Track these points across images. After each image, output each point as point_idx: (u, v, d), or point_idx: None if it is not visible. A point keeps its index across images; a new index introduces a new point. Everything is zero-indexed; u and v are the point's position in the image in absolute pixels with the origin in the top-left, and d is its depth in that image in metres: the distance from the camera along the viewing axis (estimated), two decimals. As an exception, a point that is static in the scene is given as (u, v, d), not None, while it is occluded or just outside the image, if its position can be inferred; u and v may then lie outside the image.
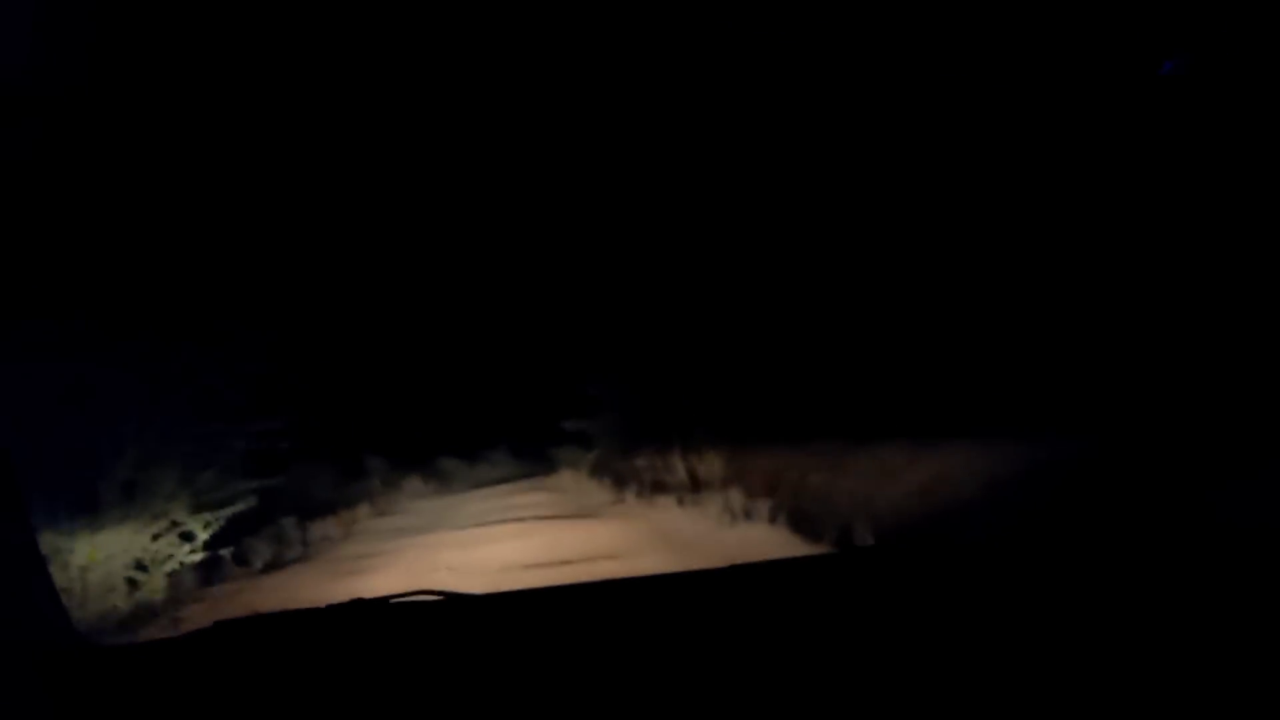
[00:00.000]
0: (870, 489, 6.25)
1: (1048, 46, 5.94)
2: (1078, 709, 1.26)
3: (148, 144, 7.49)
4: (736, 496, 7.54)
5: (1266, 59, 4.73)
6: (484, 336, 16.36)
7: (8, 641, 1.84)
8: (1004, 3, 6.23)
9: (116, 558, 6.13)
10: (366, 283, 14.63)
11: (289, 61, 8.88)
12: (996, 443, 5.54)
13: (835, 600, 1.81)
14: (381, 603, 1.94)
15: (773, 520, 6.87)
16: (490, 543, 7.95)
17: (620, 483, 11.08)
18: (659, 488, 9.50)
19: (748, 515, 7.23)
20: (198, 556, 6.94)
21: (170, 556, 6.67)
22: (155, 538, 6.58)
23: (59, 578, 5.43)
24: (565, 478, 13.93)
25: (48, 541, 5.47)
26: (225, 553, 7.44)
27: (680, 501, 8.68)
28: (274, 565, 8.41)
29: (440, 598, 1.97)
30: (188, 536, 6.86)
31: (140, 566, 6.41)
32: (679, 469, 9.19)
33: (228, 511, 7.23)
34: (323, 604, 1.95)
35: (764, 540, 6.51)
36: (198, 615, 6.13)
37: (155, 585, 6.46)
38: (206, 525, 6.99)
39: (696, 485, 8.82)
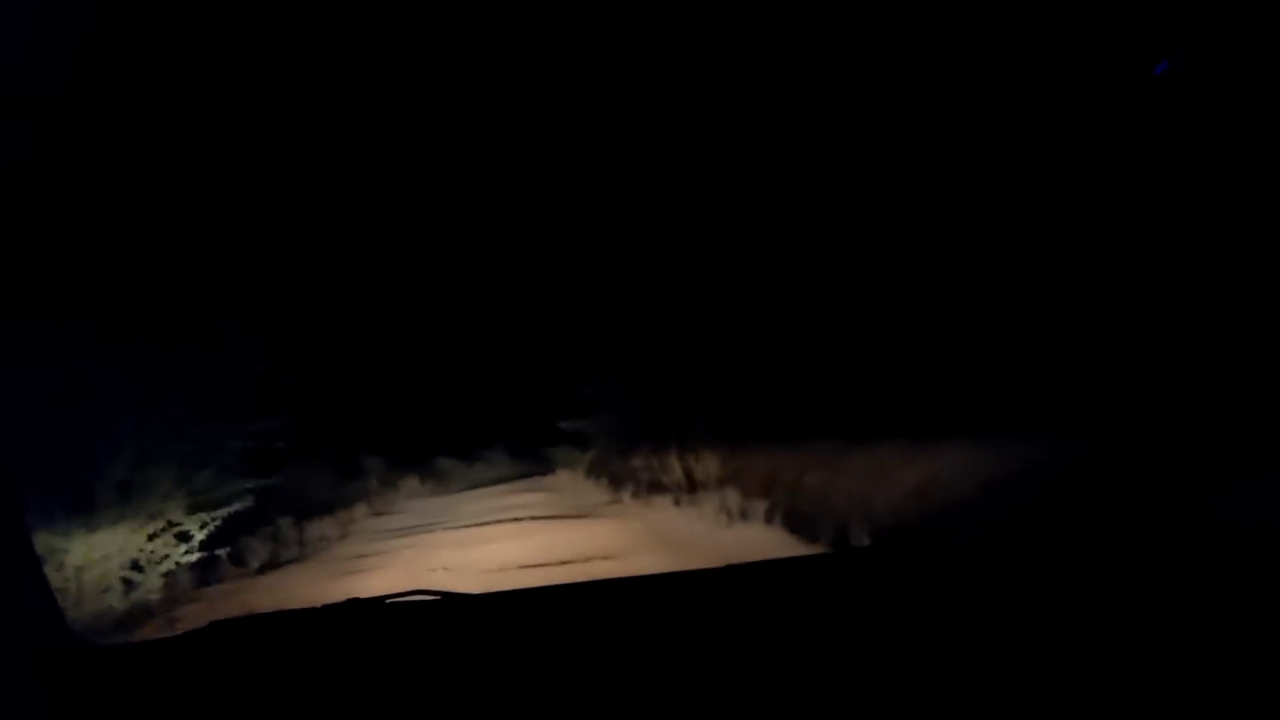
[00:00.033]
0: (866, 489, 6.25)
1: (1045, 47, 5.95)
2: (1076, 710, 1.26)
3: (146, 144, 7.48)
4: (733, 496, 7.54)
5: (1263, 58, 4.74)
6: (481, 337, 16.35)
7: (3, 642, 1.83)
8: (1002, 3, 6.24)
9: (112, 558, 6.12)
10: (364, 283, 14.61)
11: (288, 62, 8.87)
12: (993, 443, 5.55)
13: (831, 600, 1.81)
14: (377, 602, 1.93)
15: (769, 520, 6.88)
16: (487, 543, 7.95)
17: (617, 483, 11.09)
18: (655, 488, 9.51)
19: (744, 515, 7.24)
20: (194, 556, 6.93)
21: (166, 556, 6.66)
22: (151, 538, 6.56)
23: (54, 578, 5.43)
24: (562, 478, 13.93)
25: (43, 541, 5.46)
26: (222, 553, 7.44)
27: (677, 501, 8.69)
28: (270, 565, 8.41)
29: (436, 597, 1.97)
30: (184, 536, 6.85)
31: (136, 566, 6.39)
32: (675, 469, 9.20)
33: (224, 511, 7.22)
34: (319, 604, 1.95)
35: (760, 540, 6.51)
36: (194, 615, 6.12)
37: (151, 585, 6.45)
38: (203, 525, 6.98)
39: (693, 485, 8.83)
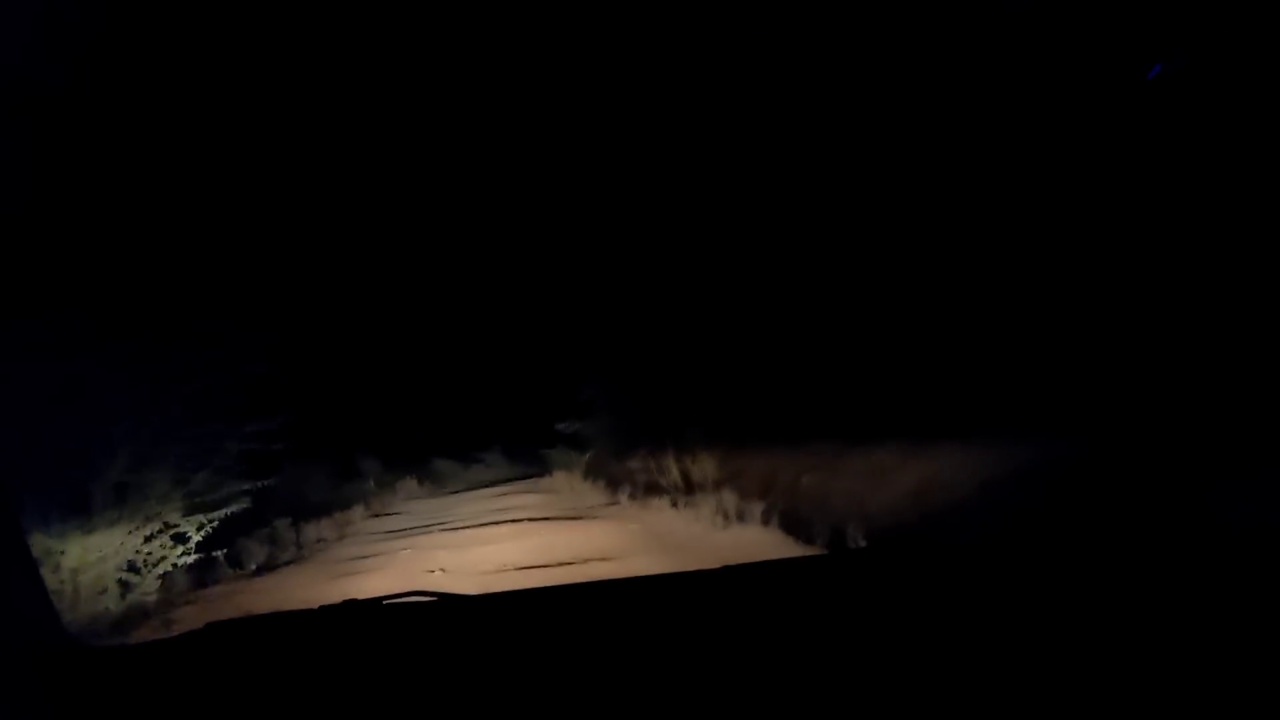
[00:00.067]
0: (864, 490, 6.26)
1: (1045, 48, 5.97)
2: (1075, 712, 1.26)
3: (145, 144, 7.47)
4: (730, 498, 7.54)
5: (1261, 60, 4.76)
6: (479, 339, 16.34)
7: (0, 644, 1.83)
8: (1001, 4, 6.26)
9: (108, 559, 6.10)
10: (362, 284, 14.61)
11: (288, 62, 8.87)
12: (991, 444, 5.55)
13: (828, 602, 1.81)
14: (374, 604, 1.93)
15: (766, 522, 6.88)
16: (484, 544, 7.94)
17: (614, 484, 11.08)
18: (653, 489, 9.50)
19: (741, 517, 7.23)
20: (191, 558, 6.92)
21: (163, 558, 6.64)
22: (148, 539, 6.55)
23: (50, 579, 5.42)
24: (559, 479, 13.92)
25: (39, 543, 5.45)
26: (219, 554, 7.42)
27: (674, 503, 8.68)
28: (268, 567, 8.40)
29: (433, 599, 1.97)
30: (181, 538, 6.84)
31: (132, 568, 6.38)
32: (673, 471, 9.19)
33: (221, 513, 7.20)
34: (316, 605, 1.95)
35: (757, 542, 6.51)
36: (190, 617, 6.12)
37: (147, 587, 6.43)
38: (200, 527, 6.96)
39: (690, 487, 8.83)
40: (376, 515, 13.06)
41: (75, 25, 6.16)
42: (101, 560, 6.03)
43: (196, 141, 8.37)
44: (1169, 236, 5.20)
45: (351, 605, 1.94)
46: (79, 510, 6.02)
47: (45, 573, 5.12)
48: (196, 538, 6.93)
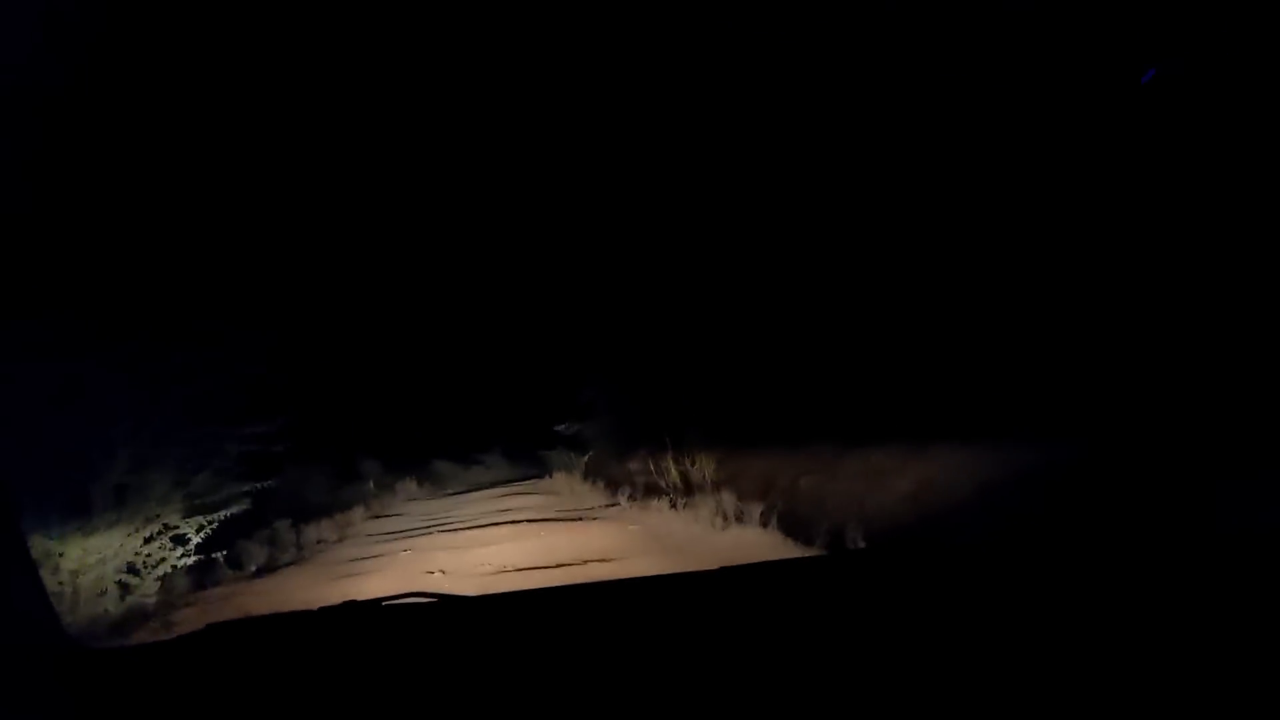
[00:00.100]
0: (862, 492, 6.26)
1: (1044, 48, 5.97)
2: (1072, 714, 1.27)
3: (145, 144, 7.48)
4: (729, 499, 7.54)
5: (1258, 61, 4.77)
6: (479, 340, 16.35)
7: (-1, 645, 1.83)
8: (1000, 6, 6.27)
9: (108, 561, 6.10)
10: (362, 286, 14.61)
11: (289, 63, 8.87)
12: (989, 446, 5.56)
13: (827, 603, 1.82)
14: (374, 605, 1.94)
15: (765, 523, 6.88)
16: (484, 545, 7.94)
17: (613, 486, 11.09)
18: (652, 491, 9.51)
19: (740, 518, 7.24)
20: (190, 560, 6.92)
21: (163, 560, 6.64)
22: (147, 541, 6.55)
23: (50, 581, 5.42)
24: (559, 480, 13.92)
25: (38, 545, 5.45)
26: (218, 556, 7.42)
27: (673, 504, 8.68)
28: (268, 568, 8.39)
29: (433, 600, 1.98)
30: (180, 540, 6.84)
31: (132, 570, 6.38)
32: (672, 472, 9.20)
33: (221, 514, 7.20)
34: (316, 607, 1.95)
35: (756, 543, 6.51)
36: (190, 619, 6.11)
37: (147, 589, 6.43)
38: (200, 528, 6.96)
39: (689, 488, 8.83)
40: (376, 517, 13.06)
41: (76, 25, 6.17)
42: (101, 562, 6.03)
43: (197, 142, 8.37)
44: (1168, 238, 5.20)
45: (351, 606, 1.94)
46: (78, 512, 6.01)
47: (45, 574, 5.13)
48: (196, 539, 6.93)
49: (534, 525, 9.16)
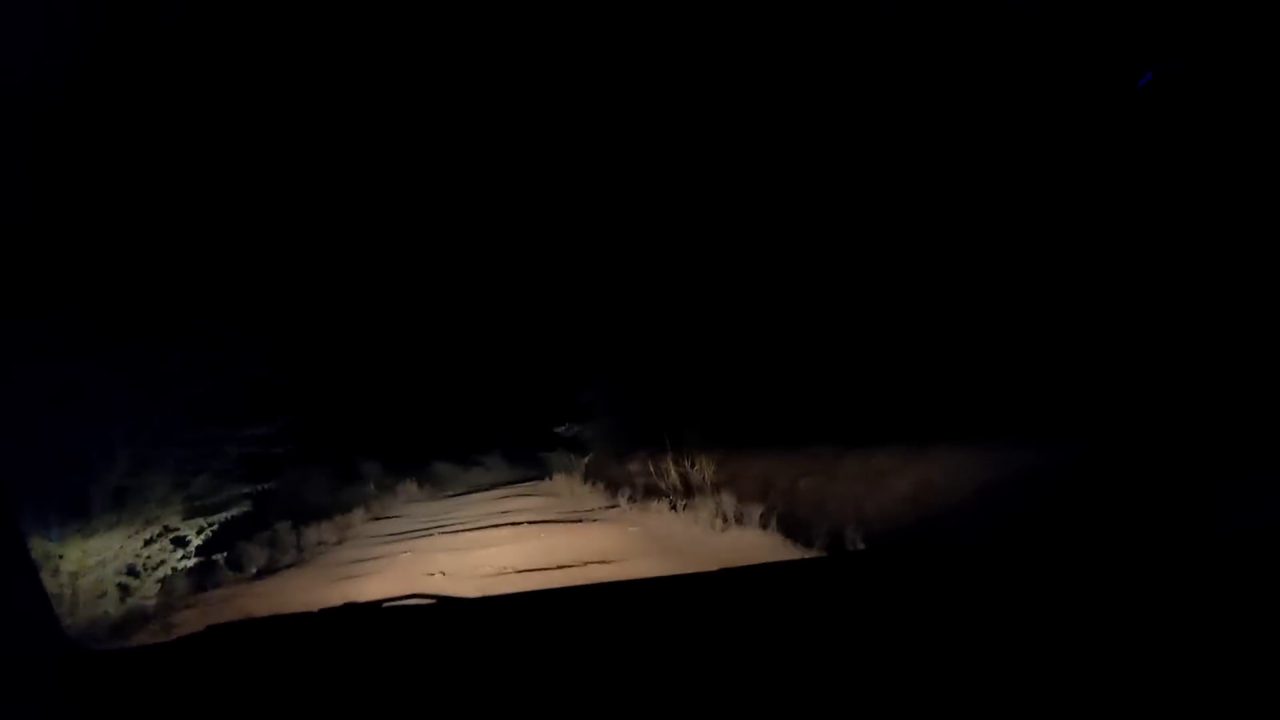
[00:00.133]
0: (862, 494, 6.26)
1: (1043, 49, 5.98)
2: (1072, 714, 1.27)
3: (145, 145, 7.48)
4: (729, 501, 7.54)
5: (1258, 61, 4.77)
6: (479, 342, 16.36)
7: (-1, 647, 1.83)
8: (1000, 7, 6.27)
9: (108, 563, 6.09)
10: (362, 288, 14.62)
11: (289, 65, 8.88)
12: (989, 447, 5.55)
13: (826, 604, 1.82)
14: (374, 607, 1.94)
15: (764, 525, 6.88)
16: (484, 547, 7.94)
17: (613, 487, 11.09)
18: (652, 492, 9.51)
19: (740, 520, 7.24)
20: (190, 562, 6.91)
21: (162, 562, 6.63)
22: (147, 543, 6.54)
23: (50, 583, 5.41)
24: (559, 482, 13.93)
25: (38, 547, 5.45)
26: (219, 558, 7.42)
27: (673, 506, 8.69)
28: (268, 570, 8.39)
29: (432, 601, 1.98)
30: (180, 542, 6.83)
31: (132, 572, 6.37)
32: (671, 474, 9.20)
33: (221, 516, 7.19)
34: (316, 609, 1.96)
35: (755, 545, 6.51)
36: (190, 621, 6.10)
37: (147, 591, 6.42)
38: (200, 530, 6.96)
39: (689, 490, 8.84)
40: (376, 518, 13.06)
41: (76, 26, 6.17)
42: (101, 564, 6.02)
43: (197, 143, 8.37)
44: (1168, 238, 5.21)
45: (351, 608, 1.94)
46: (78, 513, 6.01)
47: (45, 576, 5.12)
48: (196, 541, 6.92)
49: (534, 527, 9.16)
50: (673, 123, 9.29)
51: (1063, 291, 5.77)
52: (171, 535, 6.76)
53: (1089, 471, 4.58)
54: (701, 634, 1.68)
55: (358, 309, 14.88)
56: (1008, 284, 6.17)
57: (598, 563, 6.61)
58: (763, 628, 1.68)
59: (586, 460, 13.47)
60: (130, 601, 6.26)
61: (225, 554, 7.52)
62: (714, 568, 2.06)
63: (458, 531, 9.54)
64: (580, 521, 9.26)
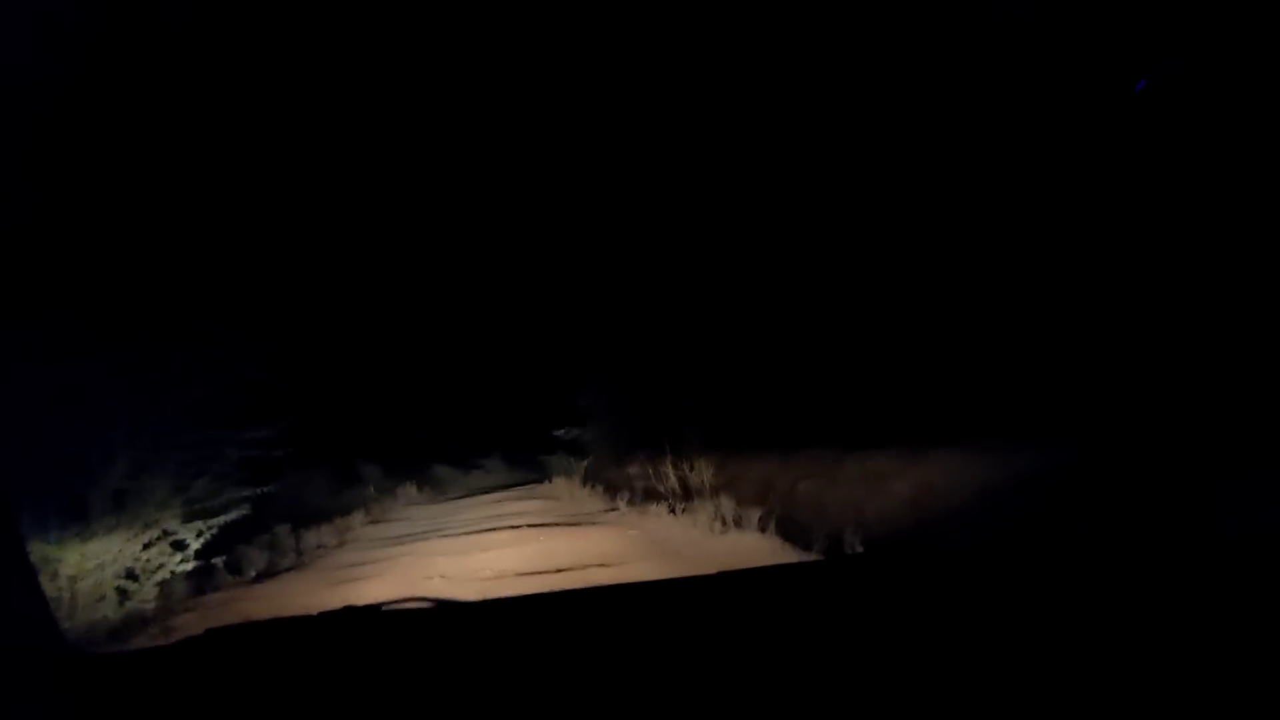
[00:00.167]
0: (861, 496, 6.26)
1: (1042, 50, 5.99)
2: (1072, 715, 1.27)
3: (144, 146, 7.48)
4: (727, 504, 7.54)
5: (1258, 61, 4.78)
6: (478, 346, 16.37)
7: (-2, 650, 1.83)
8: (999, 9, 6.29)
9: (107, 567, 6.08)
10: (363, 292, 14.63)
11: (289, 67, 8.88)
12: (988, 449, 5.55)
13: (825, 607, 1.82)
14: (373, 610, 1.94)
15: (763, 528, 6.88)
16: (484, 550, 7.94)
17: (612, 490, 11.09)
18: (651, 495, 9.51)
19: (738, 523, 7.24)
20: (190, 565, 6.90)
21: (162, 565, 6.62)
22: (147, 546, 6.53)
23: (49, 587, 5.41)
24: (558, 485, 13.93)
25: (37, 550, 5.43)
26: (218, 561, 7.41)
27: (672, 509, 8.69)
28: (267, 573, 8.38)
29: (432, 605, 1.98)
30: (180, 545, 6.82)
31: (131, 575, 6.36)
32: (670, 477, 9.20)
33: (221, 520, 7.18)
34: (315, 612, 1.96)
35: (754, 548, 6.51)
36: (190, 624, 6.09)
37: (146, 594, 6.41)
38: (199, 534, 6.95)
39: (688, 493, 8.83)
40: (376, 521, 13.06)
41: (75, 27, 6.18)
42: (100, 567, 6.01)
43: (197, 144, 8.38)
44: (1167, 238, 5.21)
45: (351, 612, 1.94)
46: (78, 517, 6.00)
47: (44, 580, 5.11)
48: (196, 545, 6.91)
49: (533, 530, 9.15)
50: (672, 124, 9.30)
51: (1062, 292, 5.77)
52: (171, 538, 6.75)
53: (1089, 473, 4.58)
54: (701, 637, 1.68)
55: (358, 312, 14.88)
56: (1007, 285, 6.17)
57: (597, 566, 6.61)
58: (762, 631, 1.69)
59: (586, 463, 13.48)
60: (129, 605, 6.24)
61: (224, 557, 7.51)
62: (713, 571, 2.06)
63: (457, 535, 9.54)
64: (579, 525, 9.26)
